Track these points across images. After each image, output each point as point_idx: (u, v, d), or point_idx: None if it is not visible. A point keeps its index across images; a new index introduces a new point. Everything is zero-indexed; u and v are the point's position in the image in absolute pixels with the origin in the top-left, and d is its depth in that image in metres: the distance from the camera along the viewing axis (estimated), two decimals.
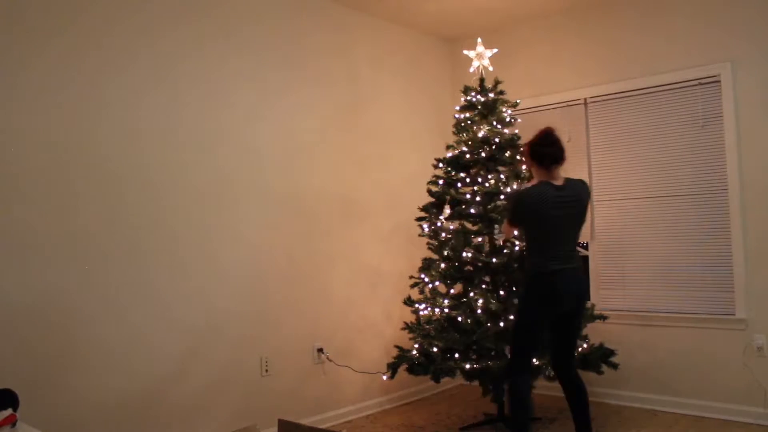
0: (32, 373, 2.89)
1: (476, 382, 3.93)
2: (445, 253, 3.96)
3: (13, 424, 2.14)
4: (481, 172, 3.95)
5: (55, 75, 3.04)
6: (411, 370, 3.91)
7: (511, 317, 3.49)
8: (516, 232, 3.55)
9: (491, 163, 3.94)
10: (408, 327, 4.06)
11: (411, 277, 4.14)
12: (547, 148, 3.07)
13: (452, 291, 3.99)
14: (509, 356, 3.27)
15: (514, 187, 3.87)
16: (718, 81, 4.05)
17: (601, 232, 4.57)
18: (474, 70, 4.19)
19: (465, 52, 4.26)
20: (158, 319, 3.38)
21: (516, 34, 4.99)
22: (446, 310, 3.87)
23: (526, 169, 3.35)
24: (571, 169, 4.65)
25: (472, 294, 3.81)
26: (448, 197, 3.95)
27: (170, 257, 3.45)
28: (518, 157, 3.68)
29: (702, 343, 4.10)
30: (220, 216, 3.70)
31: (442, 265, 3.96)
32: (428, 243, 4.11)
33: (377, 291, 4.61)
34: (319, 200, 4.26)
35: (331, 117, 4.38)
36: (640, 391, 4.31)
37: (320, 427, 3.78)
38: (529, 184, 3.22)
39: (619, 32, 4.46)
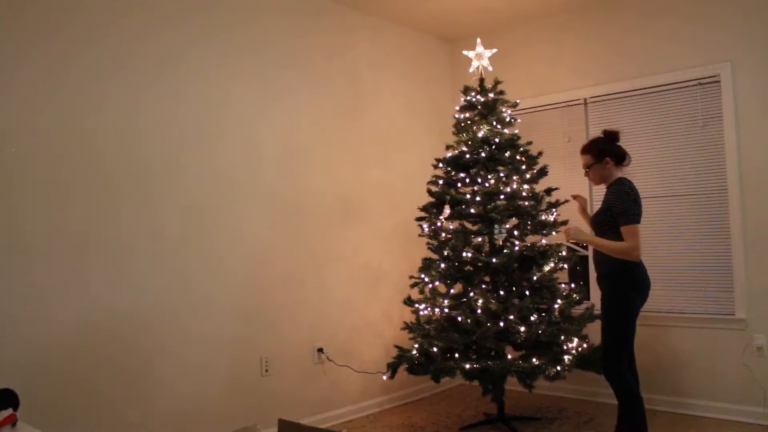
0: (34, 372, 2.89)
1: (476, 382, 3.93)
2: (445, 253, 3.96)
3: (13, 424, 2.14)
4: (481, 172, 3.95)
5: (53, 73, 3.04)
6: (411, 370, 3.91)
7: (601, 314, 3.38)
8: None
9: (491, 163, 3.94)
10: (408, 327, 4.06)
11: (411, 277, 4.14)
12: (622, 148, 3.37)
13: (452, 291, 3.99)
14: (611, 355, 3.23)
15: (514, 186, 3.87)
16: (718, 81, 4.05)
17: None
18: (474, 70, 4.19)
19: (465, 52, 4.26)
20: (158, 319, 3.38)
21: (516, 34, 4.99)
22: (446, 310, 3.87)
23: (590, 166, 3.35)
24: (571, 169, 4.67)
25: (472, 294, 3.81)
26: (448, 197, 3.95)
27: (169, 257, 3.45)
28: (594, 158, 3.35)
29: (702, 343, 4.10)
30: (219, 216, 3.70)
31: (442, 265, 3.96)
32: (428, 243, 4.11)
33: (377, 291, 4.61)
34: (319, 200, 4.26)
35: (331, 117, 4.39)
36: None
37: (320, 427, 3.79)
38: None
39: (619, 32, 4.46)
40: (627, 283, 3.21)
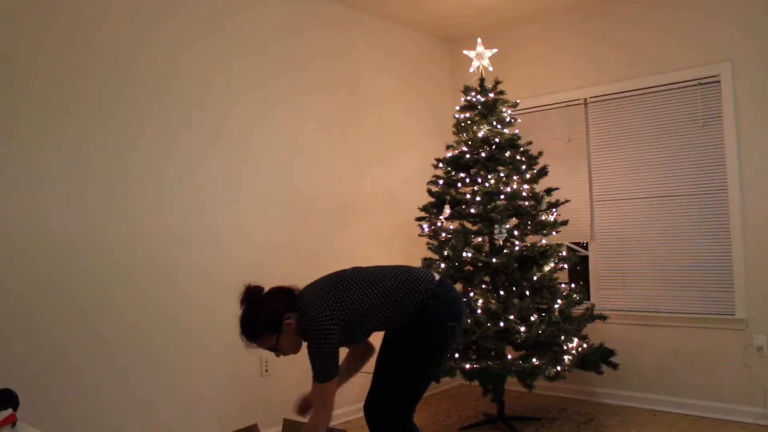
0: (33, 372, 2.89)
1: (476, 382, 3.93)
2: (445, 253, 3.96)
3: (13, 424, 2.13)
4: (481, 172, 3.96)
5: (53, 75, 3.04)
6: None
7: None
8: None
9: (491, 163, 3.94)
10: None
11: None
12: (279, 292, 2.46)
13: None
14: (404, 399, 2.55)
15: (514, 186, 3.87)
16: (718, 81, 4.04)
17: (601, 232, 4.57)
18: (474, 70, 4.19)
19: (465, 52, 4.27)
20: (158, 319, 3.38)
21: (516, 34, 4.99)
22: None
23: (276, 344, 2.42)
24: (571, 169, 4.68)
25: (472, 294, 3.81)
26: (448, 197, 3.95)
27: (170, 257, 3.45)
28: (274, 330, 2.40)
29: (702, 343, 4.10)
30: (220, 216, 3.69)
31: (442, 265, 3.96)
32: (428, 243, 4.11)
33: None
34: (320, 200, 4.26)
35: (331, 117, 4.38)
36: (640, 391, 4.31)
37: None
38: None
39: (619, 32, 4.46)
40: (448, 309, 2.50)
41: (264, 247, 3.92)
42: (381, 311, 2.45)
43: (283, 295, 2.43)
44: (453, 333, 2.52)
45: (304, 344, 2.43)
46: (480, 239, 4.00)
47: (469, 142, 4.00)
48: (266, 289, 2.46)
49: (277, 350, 2.43)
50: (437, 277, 2.56)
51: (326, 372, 2.34)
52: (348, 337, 2.46)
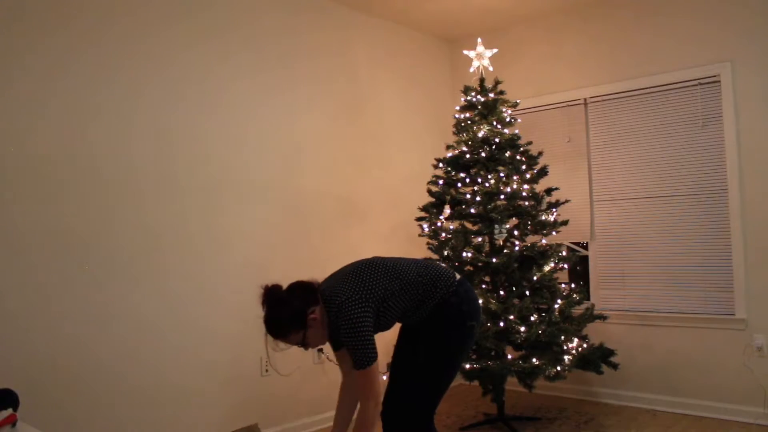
0: (34, 372, 2.89)
1: (476, 382, 3.94)
2: (445, 253, 3.96)
3: (13, 424, 2.14)
4: (481, 172, 3.95)
5: (51, 74, 3.04)
6: None
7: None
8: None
9: (491, 163, 3.94)
10: None
11: None
12: (298, 285, 2.43)
13: None
14: (427, 404, 2.49)
15: (514, 186, 3.88)
16: (718, 81, 4.04)
17: (601, 232, 4.57)
18: (474, 70, 4.19)
19: (465, 52, 4.27)
20: (158, 319, 3.38)
21: (516, 34, 4.99)
22: None
23: (303, 340, 2.36)
24: (571, 169, 4.68)
25: None
26: (448, 197, 3.95)
27: (169, 257, 3.45)
28: (300, 326, 2.33)
29: (702, 343, 4.10)
30: (219, 216, 3.70)
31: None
32: (428, 243, 4.11)
33: None
34: (319, 200, 4.26)
35: (331, 117, 4.38)
36: (640, 391, 4.31)
37: (320, 427, 3.78)
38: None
39: (619, 32, 4.46)
40: (468, 309, 2.49)
41: (264, 247, 3.92)
42: (402, 301, 2.44)
43: (302, 290, 2.39)
44: (472, 332, 2.51)
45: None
46: (480, 239, 4.00)
47: (469, 142, 4.00)
48: (284, 286, 2.43)
49: (305, 344, 2.39)
50: (458, 276, 2.55)
51: (367, 357, 2.28)
52: (375, 326, 2.42)
